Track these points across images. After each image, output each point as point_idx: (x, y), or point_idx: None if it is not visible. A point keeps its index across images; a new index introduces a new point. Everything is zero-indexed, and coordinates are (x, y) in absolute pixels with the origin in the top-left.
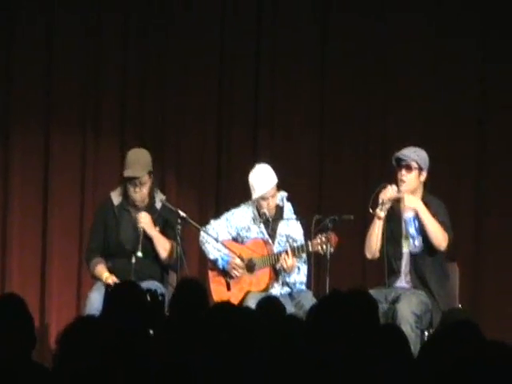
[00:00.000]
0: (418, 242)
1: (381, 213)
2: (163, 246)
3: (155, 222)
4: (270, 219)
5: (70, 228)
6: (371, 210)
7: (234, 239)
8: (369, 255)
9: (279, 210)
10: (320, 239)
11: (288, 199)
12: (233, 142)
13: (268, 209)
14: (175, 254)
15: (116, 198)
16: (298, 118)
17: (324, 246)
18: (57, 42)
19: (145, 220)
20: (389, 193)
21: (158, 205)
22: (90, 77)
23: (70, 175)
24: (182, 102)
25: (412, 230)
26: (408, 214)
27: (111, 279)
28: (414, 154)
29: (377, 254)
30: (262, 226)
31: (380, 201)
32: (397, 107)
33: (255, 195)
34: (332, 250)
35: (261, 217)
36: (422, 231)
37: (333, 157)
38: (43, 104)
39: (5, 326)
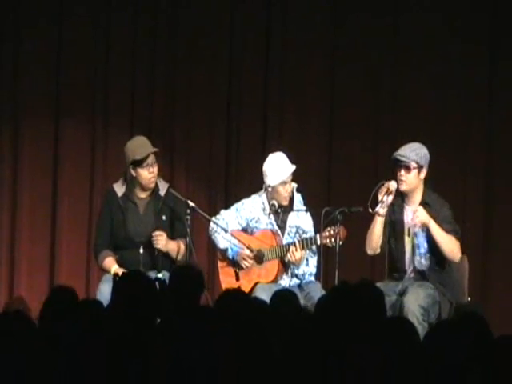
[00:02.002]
0: (424, 261)
1: (381, 210)
2: (176, 252)
3: (160, 211)
4: (280, 210)
5: (79, 221)
6: (370, 210)
7: (244, 230)
8: (370, 251)
9: (289, 200)
10: (329, 232)
11: (298, 190)
12: (242, 135)
13: (285, 195)
14: (187, 252)
15: (119, 189)
16: (307, 112)
17: (332, 239)
18: (66, 32)
19: (161, 241)
20: (389, 190)
21: (162, 192)
22: (100, 68)
23: (80, 167)
24: (192, 95)
25: (422, 249)
26: (417, 230)
27: (120, 272)
28: (413, 154)
29: (378, 251)
30: (271, 217)
31: (379, 199)
32: (406, 103)
33: (277, 180)
34: (341, 243)
35: (270, 208)
36: (430, 249)
37: (342, 150)
38: (52, 95)
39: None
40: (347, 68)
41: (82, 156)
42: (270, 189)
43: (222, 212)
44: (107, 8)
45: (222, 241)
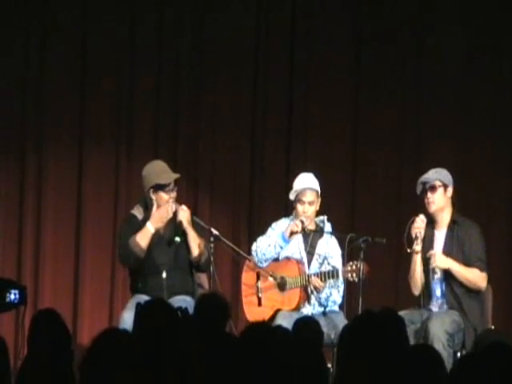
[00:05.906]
0: (440, 304)
1: (417, 247)
2: (196, 243)
3: (177, 234)
4: (310, 235)
5: (102, 248)
6: (408, 250)
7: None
8: (416, 292)
9: (320, 229)
10: (351, 267)
11: (328, 220)
12: (266, 161)
13: (304, 216)
14: (206, 252)
15: (139, 214)
16: (331, 139)
17: (354, 275)
18: (90, 57)
19: (184, 213)
20: (418, 224)
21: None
22: (124, 92)
23: (104, 191)
24: (216, 119)
25: (438, 293)
26: (437, 275)
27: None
28: (436, 174)
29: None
30: (300, 241)
31: (413, 235)
32: (431, 129)
33: (293, 194)
34: (363, 278)
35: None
36: (446, 295)
37: (366, 177)
38: (77, 120)
39: (43, 340)
40: (372, 96)
41: (105, 182)
42: (294, 210)
43: (259, 238)
44: (131, 38)
45: (268, 249)
